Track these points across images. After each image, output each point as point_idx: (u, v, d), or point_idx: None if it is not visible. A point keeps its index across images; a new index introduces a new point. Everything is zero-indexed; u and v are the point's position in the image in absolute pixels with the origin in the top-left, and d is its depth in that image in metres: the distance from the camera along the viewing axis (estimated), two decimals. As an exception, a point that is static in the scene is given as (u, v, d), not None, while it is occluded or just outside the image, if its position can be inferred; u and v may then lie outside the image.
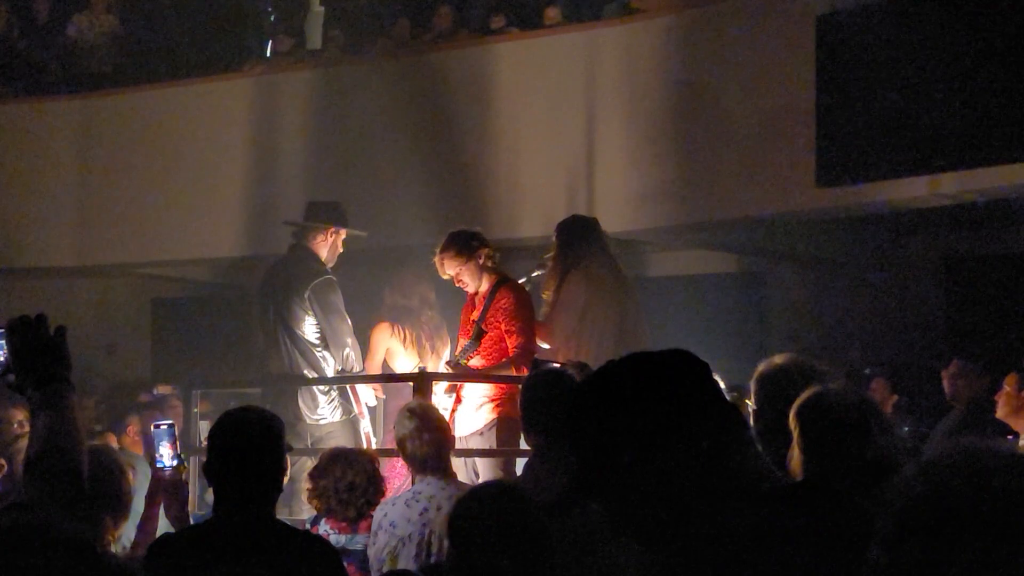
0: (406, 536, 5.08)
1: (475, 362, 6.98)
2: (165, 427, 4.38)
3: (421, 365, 7.75)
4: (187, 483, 4.32)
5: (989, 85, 8.27)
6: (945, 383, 7.59)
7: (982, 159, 8.43)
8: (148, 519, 4.28)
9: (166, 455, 4.28)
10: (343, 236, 7.74)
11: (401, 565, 4.92)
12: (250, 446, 3.70)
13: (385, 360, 7.87)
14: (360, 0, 12.73)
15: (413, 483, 5.62)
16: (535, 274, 7.61)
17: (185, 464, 4.25)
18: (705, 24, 9.93)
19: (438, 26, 11.91)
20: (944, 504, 1.56)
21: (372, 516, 5.50)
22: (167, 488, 4.25)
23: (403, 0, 12.34)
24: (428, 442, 5.29)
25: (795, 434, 3.56)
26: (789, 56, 9.33)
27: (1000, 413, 6.47)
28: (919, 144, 8.61)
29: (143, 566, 3.74)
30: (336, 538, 5.30)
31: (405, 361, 7.87)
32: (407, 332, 7.87)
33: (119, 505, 4.11)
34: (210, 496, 4.11)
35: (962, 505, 1.55)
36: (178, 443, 4.37)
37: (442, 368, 7.44)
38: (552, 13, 11.28)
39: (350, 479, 5.47)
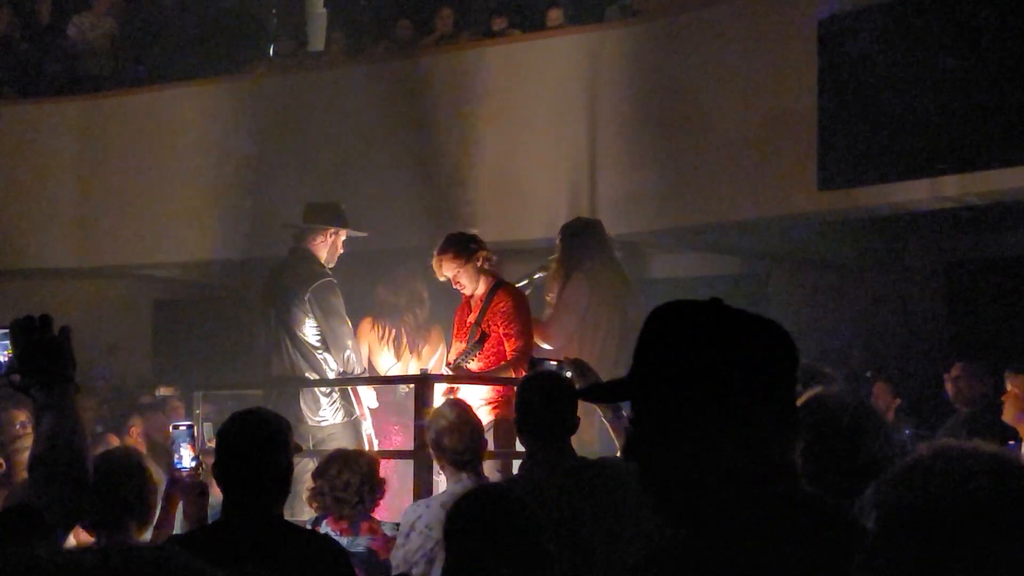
0: (443, 539, 5.04)
1: (473, 365, 6.98)
2: (184, 428, 4.36)
3: (420, 365, 7.77)
4: (207, 485, 4.25)
5: (990, 88, 8.26)
6: (948, 386, 7.58)
7: (983, 162, 8.43)
8: (164, 520, 4.27)
9: (185, 456, 4.26)
10: (343, 237, 7.74)
11: (437, 568, 4.89)
12: (258, 448, 3.71)
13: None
14: (362, 2, 12.74)
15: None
16: (536, 276, 7.62)
17: (204, 465, 4.20)
18: (707, 27, 9.93)
19: (440, 28, 11.92)
20: (926, 508, 1.55)
21: (373, 517, 5.49)
22: (185, 489, 4.25)
23: (405, 2, 12.35)
24: (469, 435, 5.27)
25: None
26: (791, 59, 9.33)
27: (1006, 416, 6.43)
28: (920, 147, 8.60)
29: None
30: (337, 540, 5.29)
31: (383, 359, 7.89)
32: (387, 329, 7.90)
33: (144, 510, 4.08)
34: (213, 498, 4.11)
35: (944, 508, 1.54)
36: (197, 444, 4.36)
37: (438, 370, 7.45)
38: (554, 15, 11.29)
39: (346, 479, 5.45)
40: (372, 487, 5.51)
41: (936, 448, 1.61)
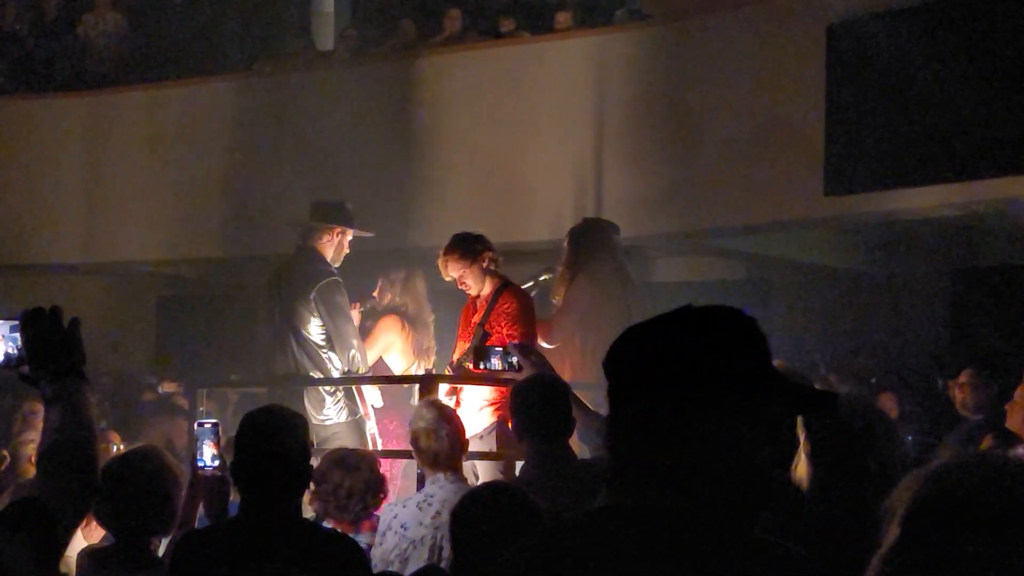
0: (417, 539, 5.02)
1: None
2: (209, 426, 4.34)
3: (425, 366, 7.76)
4: (228, 482, 4.20)
5: (999, 96, 8.26)
6: (955, 392, 7.57)
7: (991, 170, 8.43)
8: (186, 518, 4.24)
9: (207, 455, 4.25)
10: (349, 236, 7.73)
11: (411, 568, 4.88)
12: (277, 444, 3.71)
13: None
14: (371, 2, 12.75)
15: (419, 482, 5.61)
16: (543, 278, 7.63)
17: (226, 463, 4.16)
18: (714, 31, 9.93)
19: (448, 28, 11.93)
20: (956, 506, 1.55)
21: (375, 516, 5.49)
22: (207, 487, 4.24)
23: (413, 2, 12.36)
24: (446, 437, 5.25)
25: (801, 440, 3.55)
26: (799, 64, 9.33)
27: (1010, 424, 6.40)
28: (927, 154, 8.60)
29: (170, 563, 3.74)
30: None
31: (398, 359, 7.87)
32: (411, 331, 7.88)
33: (166, 509, 4.06)
34: (235, 495, 4.09)
35: (974, 508, 1.55)
36: (221, 442, 4.34)
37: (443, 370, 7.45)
38: (562, 18, 11.30)
39: (348, 486, 5.43)
40: (374, 490, 5.49)
41: (973, 452, 1.61)
